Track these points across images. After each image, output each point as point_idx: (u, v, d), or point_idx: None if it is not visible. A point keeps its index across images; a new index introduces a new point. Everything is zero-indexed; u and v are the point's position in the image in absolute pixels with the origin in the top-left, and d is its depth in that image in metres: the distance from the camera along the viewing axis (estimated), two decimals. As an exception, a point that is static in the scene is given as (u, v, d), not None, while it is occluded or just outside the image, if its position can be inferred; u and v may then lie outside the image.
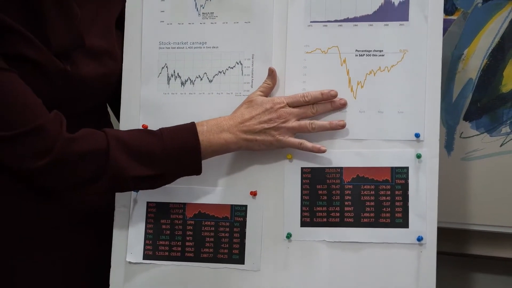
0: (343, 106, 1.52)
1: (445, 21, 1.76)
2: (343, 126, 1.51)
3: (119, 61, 1.61)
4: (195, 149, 1.47)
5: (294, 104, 1.52)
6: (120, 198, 1.60)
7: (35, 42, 1.42)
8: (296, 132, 1.51)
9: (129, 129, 1.57)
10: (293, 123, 1.50)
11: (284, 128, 1.50)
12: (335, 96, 1.52)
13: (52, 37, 1.43)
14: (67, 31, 1.46)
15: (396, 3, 1.52)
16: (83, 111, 1.55)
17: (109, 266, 1.59)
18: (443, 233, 1.56)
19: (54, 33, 1.43)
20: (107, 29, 1.59)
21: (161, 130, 1.49)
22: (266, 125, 1.49)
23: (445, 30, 1.79)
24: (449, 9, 1.81)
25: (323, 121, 1.52)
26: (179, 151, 1.47)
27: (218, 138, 1.49)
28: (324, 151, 1.51)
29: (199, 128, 1.49)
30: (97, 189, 1.47)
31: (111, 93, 1.61)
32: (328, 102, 1.53)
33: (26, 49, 1.41)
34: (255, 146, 1.51)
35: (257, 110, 1.50)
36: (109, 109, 1.74)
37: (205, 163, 1.51)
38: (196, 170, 1.50)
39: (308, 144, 1.51)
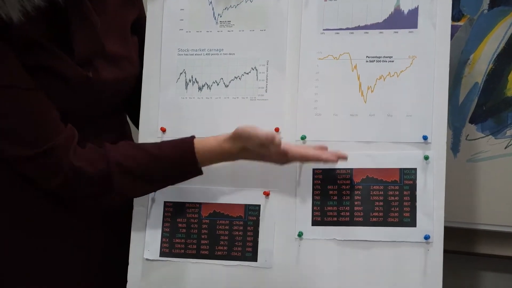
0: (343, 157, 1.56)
1: (452, 27, 1.78)
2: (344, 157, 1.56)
3: (136, 66, 1.66)
4: (190, 152, 1.52)
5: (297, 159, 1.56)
6: (138, 197, 1.64)
7: (57, 53, 1.47)
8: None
9: (147, 131, 1.65)
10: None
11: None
12: (343, 157, 1.56)
13: (75, 46, 1.48)
14: (89, 40, 1.51)
15: (406, 12, 1.58)
16: (102, 114, 1.61)
17: (127, 263, 1.64)
18: (449, 232, 1.59)
19: (77, 42, 1.48)
20: (124, 34, 1.64)
21: (160, 145, 1.55)
22: (258, 158, 1.54)
23: (452, 35, 1.79)
24: (455, 15, 1.85)
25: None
26: (174, 161, 1.53)
27: (216, 144, 1.54)
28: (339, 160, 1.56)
29: (196, 139, 1.54)
30: (108, 201, 1.55)
31: (128, 96, 1.67)
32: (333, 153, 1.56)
33: (50, 60, 1.46)
34: (254, 157, 1.55)
35: (260, 151, 1.53)
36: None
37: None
38: (196, 172, 1.55)
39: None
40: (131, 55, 1.66)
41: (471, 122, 1.87)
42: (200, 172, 1.55)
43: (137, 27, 1.70)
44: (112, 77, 1.58)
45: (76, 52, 1.49)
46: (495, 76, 1.84)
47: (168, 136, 1.64)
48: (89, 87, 1.53)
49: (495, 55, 1.84)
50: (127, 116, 1.80)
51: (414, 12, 1.58)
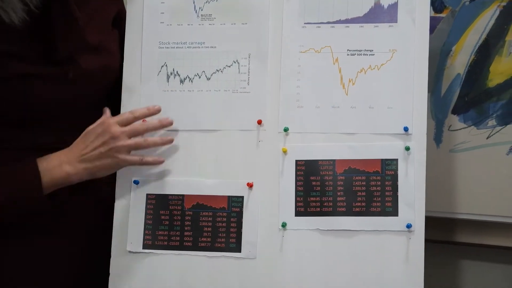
0: (169, 124, 1.62)
1: (434, 18, 1.86)
2: (171, 141, 1.62)
3: (116, 57, 1.67)
4: (37, 191, 1.51)
5: (123, 123, 1.59)
6: (120, 190, 1.66)
7: (33, 58, 1.48)
8: (133, 149, 1.59)
9: None
10: (128, 141, 1.57)
11: (120, 147, 1.57)
12: (159, 110, 1.62)
13: (58, 44, 1.50)
14: (72, 37, 1.53)
15: (386, 6, 1.60)
16: (84, 107, 1.61)
17: (109, 256, 1.65)
18: (431, 221, 1.62)
19: (61, 40, 1.50)
20: (103, 25, 1.66)
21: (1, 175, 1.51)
22: (102, 149, 1.56)
23: (434, 27, 1.86)
24: (438, 7, 1.87)
25: (155, 137, 1.62)
26: (20, 195, 1.51)
27: (60, 172, 1.53)
28: (162, 161, 1.62)
29: (40, 166, 1.52)
30: None
31: (109, 91, 1.67)
32: (156, 120, 1.62)
33: (25, 67, 1.48)
34: (97, 173, 1.57)
35: (90, 137, 1.56)
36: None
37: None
38: (41, 204, 1.53)
39: (149, 158, 1.61)
40: (110, 46, 1.67)
41: (453, 113, 1.89)
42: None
43: (117, 21, 1.70)
44: (92, 66, 1.59)
45: (59, 49, 1.50)
46: (477, 67, 1.86)
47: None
48: (69, 81, 1.54)
49: (477, 47, 1.85)
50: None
51: (394, 7, 1.61)
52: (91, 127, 1.58)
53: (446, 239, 1.95)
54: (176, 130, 1.66)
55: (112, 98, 1.70)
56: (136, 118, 1.61)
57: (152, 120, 1.63)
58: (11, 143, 1.55)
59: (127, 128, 1.59)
